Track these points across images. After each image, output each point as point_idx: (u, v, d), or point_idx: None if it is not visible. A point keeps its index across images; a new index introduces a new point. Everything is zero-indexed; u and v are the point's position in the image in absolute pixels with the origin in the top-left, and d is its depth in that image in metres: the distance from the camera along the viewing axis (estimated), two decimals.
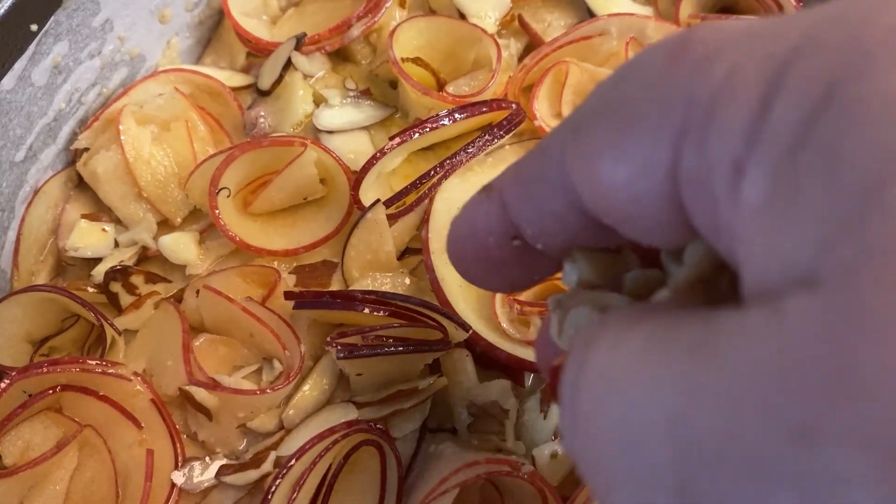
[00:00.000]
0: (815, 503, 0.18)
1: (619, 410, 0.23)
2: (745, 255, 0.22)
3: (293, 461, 0.61)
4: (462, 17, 0.82)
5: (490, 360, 0.69)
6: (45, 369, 0.64)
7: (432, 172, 0.72)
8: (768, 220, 0.21)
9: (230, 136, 0.79)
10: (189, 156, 0.76)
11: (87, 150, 0.77)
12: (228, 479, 0.64)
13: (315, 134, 0.77)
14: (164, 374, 0.67)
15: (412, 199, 0.72)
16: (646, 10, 0.84)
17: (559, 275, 0.33)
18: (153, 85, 0.78)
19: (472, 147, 0.73)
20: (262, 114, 0.78)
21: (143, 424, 0.65)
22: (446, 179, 0.73)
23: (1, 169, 0.70)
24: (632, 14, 0.78)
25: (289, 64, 0.79)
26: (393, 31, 0.77)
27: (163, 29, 0.81)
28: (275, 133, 0.78)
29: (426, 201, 0.72)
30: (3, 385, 0.62)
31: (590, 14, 0.84)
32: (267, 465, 0.64)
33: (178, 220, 0.75)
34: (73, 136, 0.77)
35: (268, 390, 0.64)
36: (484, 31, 0.78)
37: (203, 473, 0.65)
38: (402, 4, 0.84)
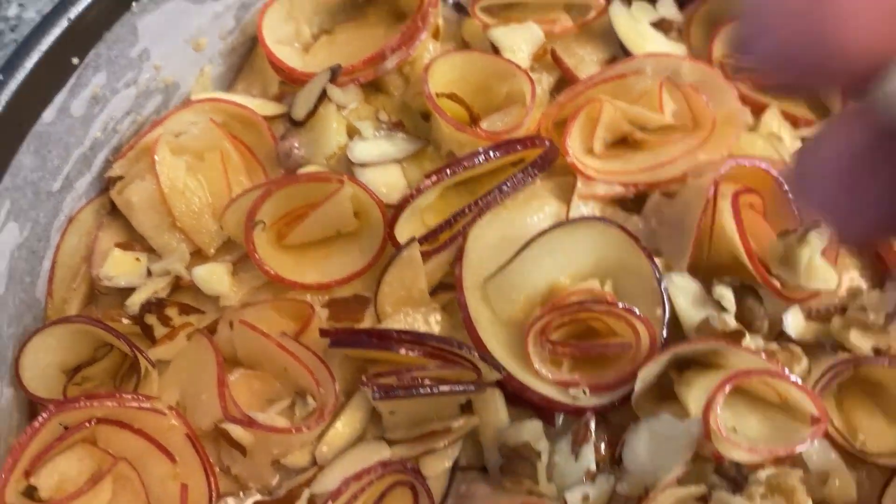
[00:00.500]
0: None
1: None
2: None
3: (329, 502, 0.61)
4: (495, 50, 0.82)
5: (521, 399, 0.69)
6: (82, 403, 0.64)
7: (466, 210, 0.72)
8: None
9: (263, 165, 0.79)
10: (223, 186, 0.77)
11: (120, 178, 0.77)
12: None
13: (348, 166, 0.78)
14: (198, 408, 0.68)
15: (446, 236, 0.72)
16: (678, 47, 0.84)
17: None
18: (188, 114, 0.78)
19: (507, 186, 0.73)
20: (296, 145, 0.78)
21: (177, 458, 0.66)
22: (480, 217, 0.73)
23: (38, 199, 0.71)
24: (668, 55, 0.79)
25: (323, 95, 0.79)
26: (428, 66, 0.77)
27: (197, 57, 0.82)
28: (308, 164, 0.78)
29: (459, 239, 0.73)
30: (41, 419, 0.63)
31: (622, 49, 0.84)
32: (301, 503, 0.64)
33: (212, 250, 0.76)
34: (107, 163, 0.78)
35: (303, 428, 0.65)
36: (518, 66, 0.78)
37: None
38: (435, 36, 0.84)
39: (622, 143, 0.80)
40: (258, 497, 0.66)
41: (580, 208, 0.76)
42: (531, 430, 0.67)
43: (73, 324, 0.70)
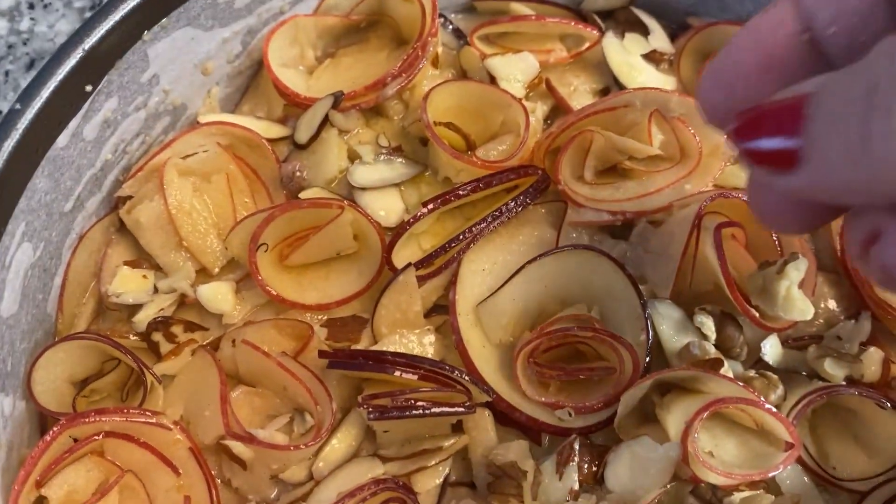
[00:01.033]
0: None
1: None
2: None
3: None
4: (492, 78, 0.85)
5: (509, 419, 0.73)
6: (91, 418, 0.68)
7: (461, 237, 0.75)
8: None
9: (267, 187, 0.82)
10: (228, 207, 0.80)
11: (130, 197, 0.80)
12: None
13: (349, 189, 0.81)
14: (201, 423, 0.71)
15: (441, 261, 0.75)
16: (668, 79, 0.87)
17: None
18: (195, 137, 0.81)
19: (501, 214, 0.76)
20: (299, 168, 0.81)
21: (180, 471, 0.69)
22: (474, 243, 0.76)
23: (51, 220, 0.74)
24: (657, 89, 0.82)
25: (325, 120, 0.82)
26: (427, 95, 0.80)
27: (204, 80, 0.84)
28: (310, 187, 0.81)
29: (454, 264, 0.76)
30: (53, 432, 0.66)
31: (614, 79, 0.87)
32: None
33: (216, 269, 0.79)
34: (117, 183, 0.81)
35: (301, 446, 0.68)
36: (513, 96, 0.81)
37: None
38: (434, 64, 0.87)
39: (612, 170, 0.83)
40: None
41: (570, 235, 0.80)
42: (518, 450, 0.70)
43: (83, 339, 0.73)
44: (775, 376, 0.73)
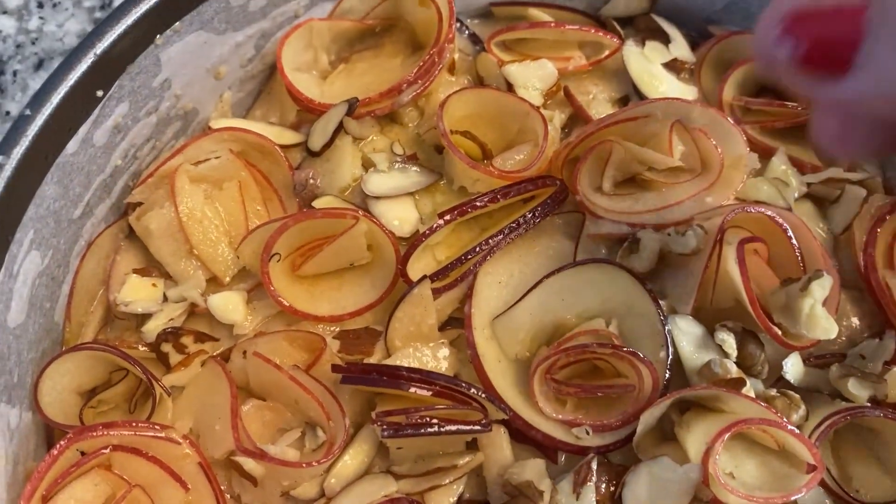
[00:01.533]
0: None
1: None
2: None
3: None
4: (509, 86, 0.84)
5: (525, 437, 0.71)
6: (99, 431, 0.66)
7: (477, 249, 0.74)
8: None
9: (279, 194, 0.81)
10: (240, 215, 0.78)
11: (140, 203, 0.79)
12: None
13: (362, 197, 0.79)
14: (210, 437, 0.70)
15: (457, 274, 0.74)
16: (690, 88, 0.86)
17: None
18: (207, 143, 0.79)
19: (518, 226, 0.74)
20: (312, 175, 0.80)
21: (189, 486, 0.68)
22: (490, 255, 0.75)
23: (60, 227, 0.72)
24: (678, 99, 0.80)
25: (339, 127, 0.80)
26: (443, 103, 0.78)
27: (217, 84, 0.83)
28: (323, 195, 0.80)
29: (470, 277, 0.74)
30: (60, 446, 0.65)
31: (634, 88, 0.85)
32: None
33: (227, 278, 0.77)
34: (127, 189, 0.79)
35: (313, 463, 0.67)
36: (531, 105, 0.80)
37: None
38: (451, 71, 0.85)
39: (631, 181, 0.81)
40: None
41: (588, 246, 0.78)
42: (534, 469, 0.69)
43: (91, 350, 0.72)
44: (797, 396, 0.72)
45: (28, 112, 0.66)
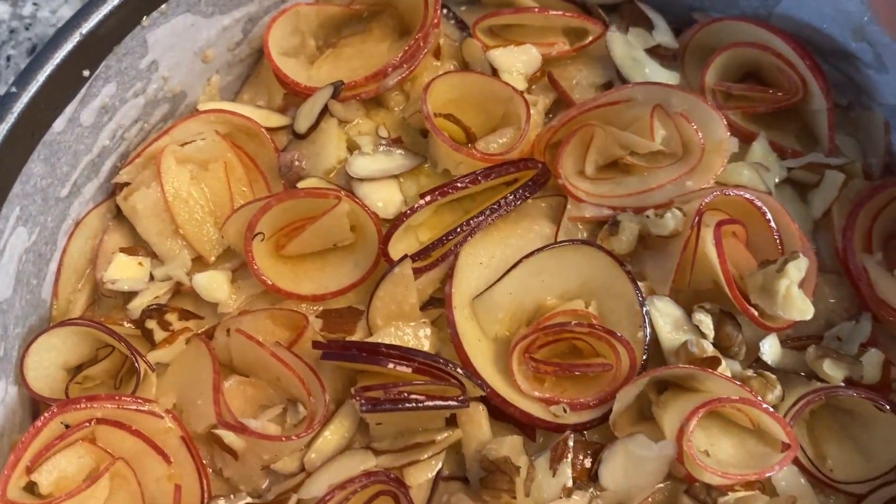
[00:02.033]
0: None
1: None
2: None
3: None
4: (494, 70, 0.84)
5: (504, 415, 0.72)
6: (83, 404, 0.67)
7: (458, 230, 0.75)
8: None
9: (265, 175, 0.82)
10: (225, 195, 0.79)
11: (127, 184, 0.80)
12: None
13: (347, 179, 0.80)
14: (193, 412, 0.71)
15: (438, 254, 0.75)
16: (672, 74, 0.86)
17: None
18: (194, 124, 0.80)
19: (499, 208, 0.75)
20: (297, 157, 0.81)
21: (172, 460, 0.69)
22: (471, 236, 0.76)
23: (47, 205, 0.73)
24: (658, 84, 0.81)
25: (325, 110, 0.81)
26: (427, 87, 0.79)
27: (204, 67, 0.84)
28: (308, 177, 0.80)
29: (451, 257, 0.75)
30: (44, 418, 0.66)
31: (618, 73, 0.86)
32: None
33: (212, 257, 0.78)
34: (115, 169, 0.80)
35: (293, 437, 0.68)
36: (515, 89, 0.81)
37: None
38: (436, 55, 0.86)
39: (613, 165, 0.82)
40: (248, 500, 0.69)
41: (569, 229, 0.79)
42: (512, 446, 0.69)
43: (77, 326, 0.73)
44: (773, 376, 0.72)
45: (14, 90, 0.67)
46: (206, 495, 0.68)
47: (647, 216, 0.75)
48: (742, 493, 0.68)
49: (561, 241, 0.76)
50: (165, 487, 0.68)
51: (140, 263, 0.78)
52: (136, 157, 0.80)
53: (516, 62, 0.84)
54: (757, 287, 0.73)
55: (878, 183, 0.81)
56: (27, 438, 0.65)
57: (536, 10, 0.87)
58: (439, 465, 0.71)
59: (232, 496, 0.69)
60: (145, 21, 0.75)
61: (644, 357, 0.72)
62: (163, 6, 0.75)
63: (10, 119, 0.66)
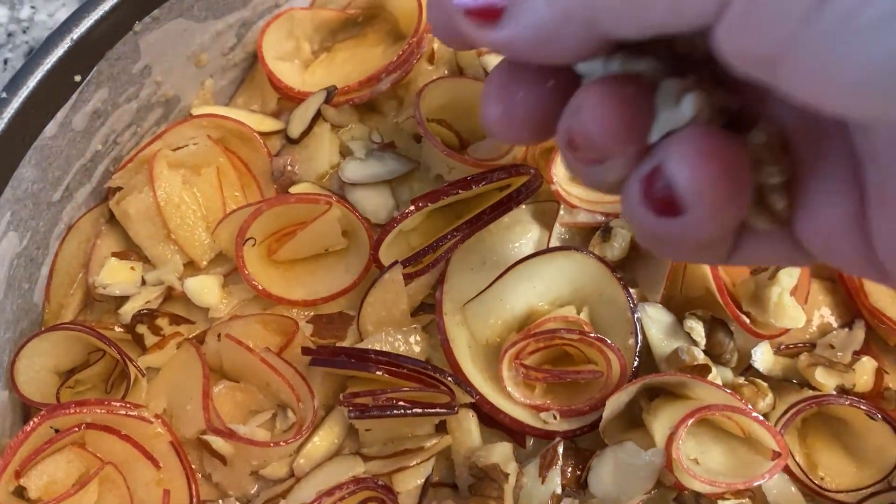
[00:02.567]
0: None
1: None
2: None
3: None
4: (487, 75, 0.84)
5: (494, 421, 0.72)
6: (73, 409, 0.67)
7: (449, 235, 0.74)
8: None
9: (258, 180, 0.82)
10: (218, 200, 0.80)
11: (120, 188, 0.80)
12: None
13: (339, 185, 0.80)
14: (183, 417, 0.71)
15: (429, 259, 0.75)
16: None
17: None
18: (187, 129, 0.81)
19: (491, 213, 0.75)
20: (290, 162, 0.81)
21: (161, 465, 0.69)
22: (463, 242, 0.75)
23: (38, 210, 0.74)
24: None
25: (318, 115, 0.81)
26: (421, 91, 0.79)
27: (198, 72, 0.84)
28: (301, 182, 0.81)
29: (442, 263, 0.75)
30: (33, 422, 0.66)
31: None
32: None
33: (204, 262, 0.78)
34: (107, 174, 0.81)
35: (281, 443, 0.68)
36: None
37: None
38: (430, 61, 0.86)
39: None
40: None
41: (561, 235, 0.79)
42: (501, 452, 0.69)
43: (68, 330, 0.73)
44: (765, 384, 0.72)
45: (4, 95, 0.67)
46: (195, 500, 0.68)
47: None
48: (732, 502, 0.68)
49: (552, 248, 0.76)
50: (154, 492, 0.68)
51: (132, 268, 0.78)
52: (129, 161, 0.80)
53: None
54: (749, 294, 0.73)
55: None
56: (16, 443, 0.65)
57: None
58: (428, 472, 0.71)
59: (221, 501, 0.69)
60: (137, 26, 0.75)
61: (635, 364, 0.72)
62: (155, 11, 0.75)
63: (0, 125, 0.66)
